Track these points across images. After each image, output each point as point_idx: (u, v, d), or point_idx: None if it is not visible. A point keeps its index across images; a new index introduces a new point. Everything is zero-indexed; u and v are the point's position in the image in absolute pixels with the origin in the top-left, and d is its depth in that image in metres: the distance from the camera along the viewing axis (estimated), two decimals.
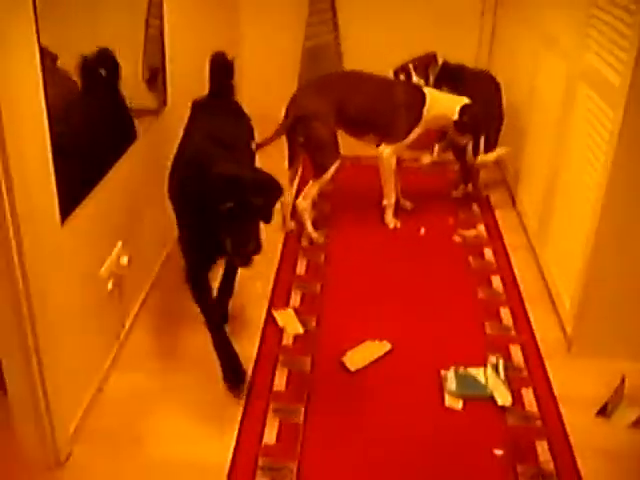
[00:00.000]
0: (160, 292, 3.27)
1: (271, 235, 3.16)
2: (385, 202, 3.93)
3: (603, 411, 2.62)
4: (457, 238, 3.84)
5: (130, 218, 2.96)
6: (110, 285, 2.69)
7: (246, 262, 2.40)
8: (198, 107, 3.09)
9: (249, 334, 2.98)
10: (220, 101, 3.13)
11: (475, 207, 4.22)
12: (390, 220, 3.92)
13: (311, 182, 3.71)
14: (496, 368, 2.78)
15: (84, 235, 2.47)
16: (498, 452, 2.41)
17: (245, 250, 2.36)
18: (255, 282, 3.32)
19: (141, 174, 3.04)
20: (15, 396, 2.23)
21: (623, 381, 2.69)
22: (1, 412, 2.32)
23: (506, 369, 2.80)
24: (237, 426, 2.49)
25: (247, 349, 2.85)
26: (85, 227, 2.47)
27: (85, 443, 2.42)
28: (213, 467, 2.33)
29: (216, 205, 2.32)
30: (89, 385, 2.58)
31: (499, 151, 4.08)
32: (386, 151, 3.80)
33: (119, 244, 2.76)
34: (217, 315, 2.75)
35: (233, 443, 2.42)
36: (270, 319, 3.10)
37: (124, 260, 2.77)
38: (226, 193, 2.32)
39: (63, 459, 2.33)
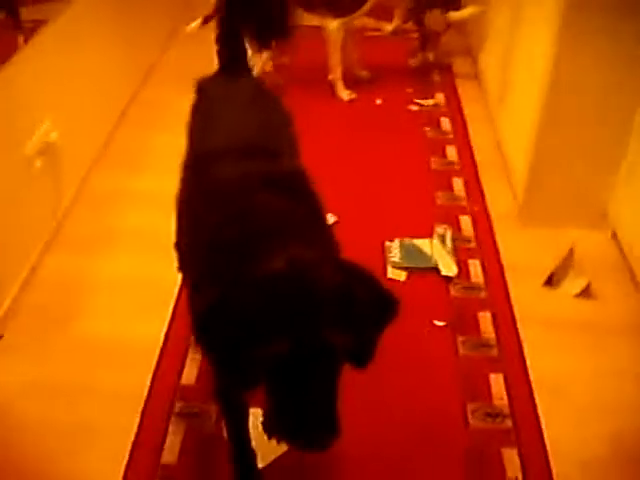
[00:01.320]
0: (104, 171, 3.15)
1: None
2: (331, 76, 3.78)
3: (549, 281, 2.57)
4: (414, 107, 3.70)
5: (61, 88, 2.78)
6: (39, 163, 2.55)
7: (308, 445, 1.27)
8: (209, 93, 2.05)
9: None
10: (240, 80, 2.11)
11: (435, 76, 4.05)
12: (342, 93, 3.77)
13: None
14: (443, 239, 2.71)
15: (3, 108, 2.32)
16: (439, 323, 2.38)
17: (304, 433, 1.25)
18: None
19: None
20: None
21: (572, 251, 2.63)
22: None
23: (454, 240, 2.73)
24: (171, 307, 2.44)
25: None
26: (5, 97, 2.32)
27: (16, 325, 2.36)
28: (145, 345, 2.28)
29: (254, 344, 1.23)
30: (21, 266, 2.50)
31: (471, 9, 3.86)
32: (332, 24, 3.64)
33: (47, 119, 2.61)
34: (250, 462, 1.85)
35: (167, 322, 2.37)
36: None
37: (53, 136, 2.62)
38: (277, 319, 1.23)
39: None
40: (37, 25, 2.59)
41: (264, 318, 1.22)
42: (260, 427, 1.34)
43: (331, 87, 3.79)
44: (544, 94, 2.63)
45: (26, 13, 2.55)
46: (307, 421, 1.24)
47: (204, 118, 1.93)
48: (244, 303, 1.24)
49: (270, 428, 1.30)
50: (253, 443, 1.80)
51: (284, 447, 1.88)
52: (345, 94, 3.75)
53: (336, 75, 3.76)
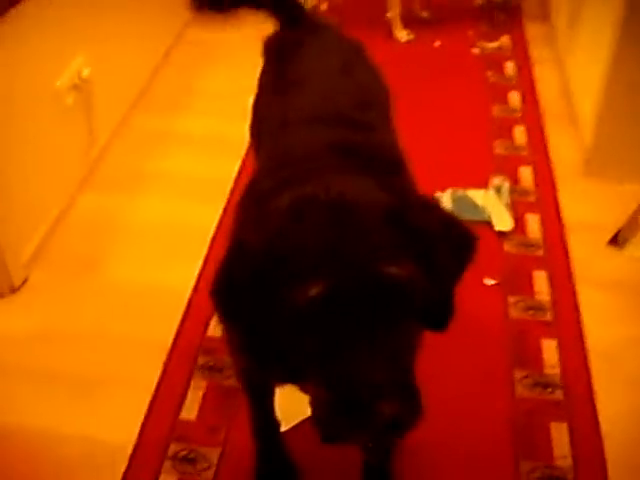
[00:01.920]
0: (144, 112, 3.02)
1: None
2: (389, 14, 3.53)
3: (615, 241, 2.34)
4: (476, 50, 3.45)
5: (97, 23, 2.64)
6: (71, 99, 2.43)
7: (379, 432, 0.91)
8: (280, 51, 1.75)
9: (231, 155, 2.73)
10: (317, 35, 1.76)
11: (501, 16, 3.76)
12: (400, 33, 3.52)
13: None
14: (499, 191, 2.50)
15: (33, 41, 2.19)
16: (490, 282, 2.19)
17: (368, 414, 0.88)
18: None
19: None
20: None
21: None
22: None
23: (511, 192, 2.51)
24: (204, 255, 2.30)
25: (228, 172, 2.63)
26: (34, 29, 2.18)
27: (43, 268, 2.26)
28: (174, 294, 2.16)
29: (287, 286, 0.93)
30: (51, 206, 2.40)
31: None
32: None
33: (80, 54, 2.48)
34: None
35: (198, 271, 2.24)
36: None
37: (86, 72, 2.49)
38: (308, 255, 0.93)
39: (17, 285, 2.18)
40: None
41: (292, 257, 0.92)
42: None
43: (388, 27, 3.55)
44: (616, 39, 2.38)
45: None
46: (371, 396, 0.86)
47: (279, 84, 1.63)
48: (265, 244, 0.96)
49: (322, 420, 0.95)
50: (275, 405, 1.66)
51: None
52: (403, 34, 3.51)
53: (394, 13, 3.52)
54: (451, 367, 1.93)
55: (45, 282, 2.22)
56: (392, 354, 0.89)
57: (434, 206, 1.05)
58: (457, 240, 1.03)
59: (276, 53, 1.75)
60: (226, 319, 1.09)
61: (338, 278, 0.88)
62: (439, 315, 1.04)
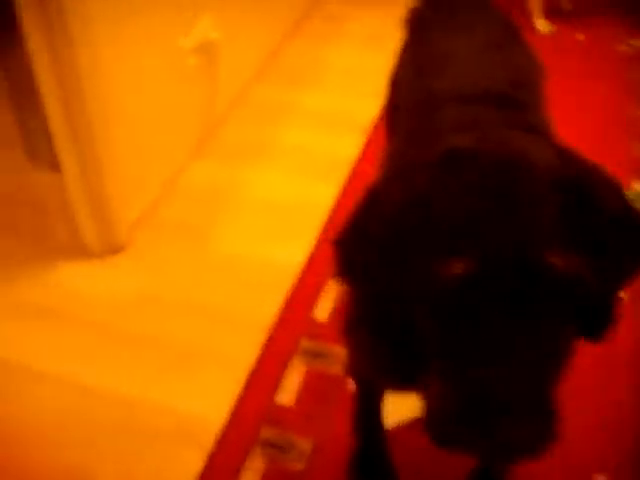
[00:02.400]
0: (268, 81, 2.93)
1: None
2: (530, 3, 3.31)
3: None
4: (623, 47, 3.19)
5: None
6: (194, 61, 2.36)
7: (503, 450, 0.75)
8: (424, 25, 1.58)
9: (354, 133, 2.61)
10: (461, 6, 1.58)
11: None
12: (540, 23, 3.30)
13: None
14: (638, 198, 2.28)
15: None
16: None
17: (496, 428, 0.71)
18: None
19: None
20: (69, 175, 2.02)
21: None
22: (57, 193, 2.13)
23: None
24: (317, 234, 2.18)
25: (349, 149, 2.51)
26: None
27: (149, 232, 2.20)
28: (281, 272, 2.06)
29: (427, 254, 0.77)
30: (163, 170, 2.33)
31: None
32: None
33: (208, 15, 2.40)
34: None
35: (309, 251, 2.13)
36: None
37: (213, 35, 2.42)
38: (458, 223, 0.76)
39: (122, 245, 2.13)
40: None
41: (439, 219, 0.76)
42: None
43: (528, 16, 3.34)
44: None
45: None
46: (498, 409, 0.71)
47: (422, 60, 1.46)
48: (410, 197, 0.81)
49: (435, 419, 0.80)
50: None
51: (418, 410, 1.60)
52: (543, 25, 3.29)
53: (535, 2, 3.30)
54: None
55: (149, 246, 2.16)
56: (535, 362, 0.73)
57: (618, 188, 0.84)
58: (636, 234, 0.83)
59: (420, 27, 1.59)
60: (346, 276, 0.94)
61: (492, 259, 0.72)
62: (597, 321, 0.85)
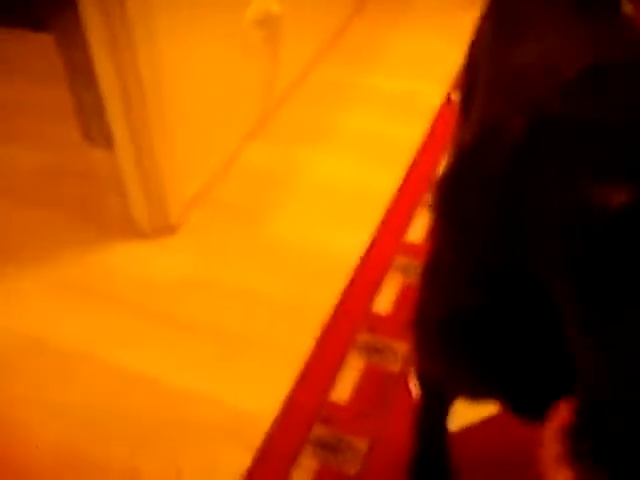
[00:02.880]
0: (331, 61, 2.80)
1: None
2: None
3: None
4: None
5: None
6: (257, 33, 2.24)
7: None
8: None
9: (419, 116, 2.47)
10: None
11: None
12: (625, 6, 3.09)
13: None
14: None
15: None
16: None
17: None
18: None
19: None
20: (122, 152, 1.93)
21: None
22: (111, 170, 2.05)
23: None
24: (378, 221, 2.06)
25: (414, 134, 2.38)
26: None
27: (204, 212, 2.10)
28: (339, 259, 1.93)
29: (573, 187, 0.60)
30: (220, 149, 2.23)
31: None
32: None
33: None
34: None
35: (369, 238, 2.00)
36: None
37: (275, 8, 2.30)
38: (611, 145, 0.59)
39: (173, 225, 2.03)
40: None
41: (586, 140, 0.61)
42: None
43: None
44: None
45: None
46: None
47: (505, 31, 1.28)
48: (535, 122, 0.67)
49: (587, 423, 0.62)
50: None
51: (487, 410, 1.46)
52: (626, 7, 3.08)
53: None
54: None
55: (202, 228, 2.06)
56: None
57: None
58: None
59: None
60: (450, 223, 0.78)
61: None
62: None
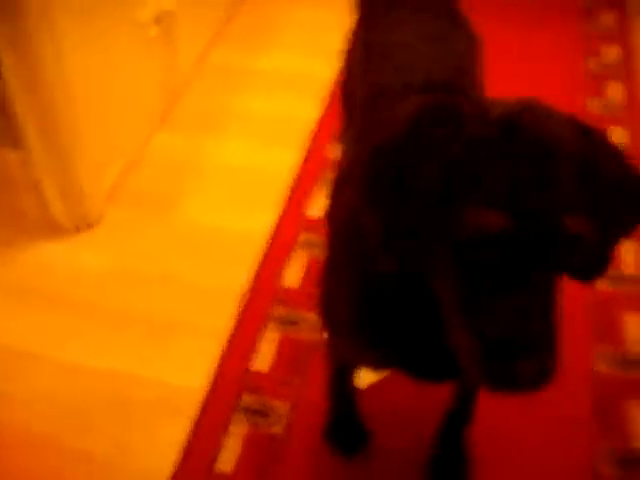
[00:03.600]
0: (225, 47, 2.94)
1: None
2: None
3: None
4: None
5: None
6: (154, 31, 2.37)
7: (501, 389, 0.84)
8: (372, 13, 1.62)
9: (315, 95, 2.66)
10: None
11: None
12: None
13: None
14: None
15: None
16: None
17: (513, 361, 0.82)
18: None
19: None
20: (35, 152, 2.05)
21: None
22: (26, 171, 2.16)
23: None
24: (283, 200, 2.26)
25: (311, 113, 2.58)
26: None
27: (119, 205, 2.25)
28: (249, 240, 2.13)
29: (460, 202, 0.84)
30: (128, 143, 2.37)
31: None
32: None
33: None
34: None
35: (276, 217, 2.21)
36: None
37: (170, 4, 2.43)
38: (494, 180, 0.83)
39: (93, 220, 2.18)
40: None
41: (473, 168, 0.83)
42: None
43: None
44: None
45: None
46: (516, 342, 0.81)
47: (370, 50, 1.51)
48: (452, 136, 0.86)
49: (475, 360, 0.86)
50: None
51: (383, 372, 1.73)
52: None
53: None
54: None
55: (120, 220, 2.21)
56: (545, 307, 0.83)
57: (622, 155, 0.93)
58: (635, 194, 0.93)
59: (368, 14, 1.63)
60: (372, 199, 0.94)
61: (521, 216, 0.80)
62: (594, 266, 0.95)
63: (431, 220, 0.86)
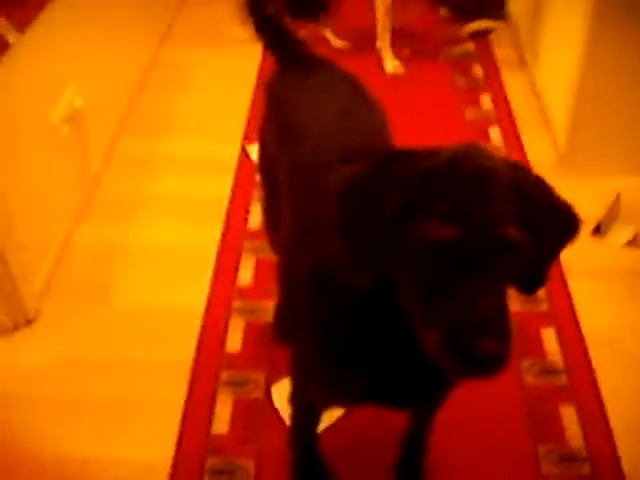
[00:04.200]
0: (131, 135, 3.07)
1: None
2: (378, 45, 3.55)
3: (597, 230, 2.49)
4: (445, 56, 3.58)
5: (85, 53, 2.70)
6: (65, 130, 2.48)
7: (470, 372, 1.01)
8: (281, 96, 1.77)
9: (222, 172, 2.82)
10: (318, 73, 1.78)
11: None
12: (389, 64, 3.50)
13: None
14: None
15: (26, 76, 2.25)
16: None
17: (473, 342, 0.98)
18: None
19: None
20: None
21: (618, 198, 2.54)
22: None
23: None
24: (211, 272, 2.38)
25: (222, 189, 2.72)
26: (26, 66, 2.24)
27: (54, 298, 2.31)
28: (187, 313, 2.24)
29: (421, 220, 1.03)
30: (53, 239, 2.45)
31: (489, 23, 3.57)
32: None
33: (71, 85, 2.54)
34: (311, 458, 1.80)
35: (207, 289, 2.32)
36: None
37: (78, 102, 2.55)
38: (445, 198, 1.04)
39: (32, 317, 2.23)
40: None
41: (436, 193, 1.02)
42: None
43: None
44: (585, 39, 2.53)
45: None
46: (479, 323, 0.98)
47: (283, 131, 1.67)
48: (418, 175, 1.05)
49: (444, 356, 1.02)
50: None
51: (339, 412, 1.87)
52: (393, 65, 3.49)
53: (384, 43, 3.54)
54: None
55: (58, 312, 2.27)
56: (496, 300, 1.01)
57: (547, 185, 1.14)
58: (563, 218, 1.15)
59: (277, 98, 1.78)
60: (348, 227, 1.13)
61: (468, 228, 0.99)
62: (534, 279, 1.16)
63: (397, 234, 1.05)
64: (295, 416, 1.67)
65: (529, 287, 1.16)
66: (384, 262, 1.08)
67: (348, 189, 1.13)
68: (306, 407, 1.62)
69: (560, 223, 1.14)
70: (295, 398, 1.60)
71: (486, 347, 0.96)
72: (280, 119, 1.70)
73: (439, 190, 1.03)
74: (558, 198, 1.15)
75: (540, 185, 1.12)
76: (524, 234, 1.01)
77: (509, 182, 1.04)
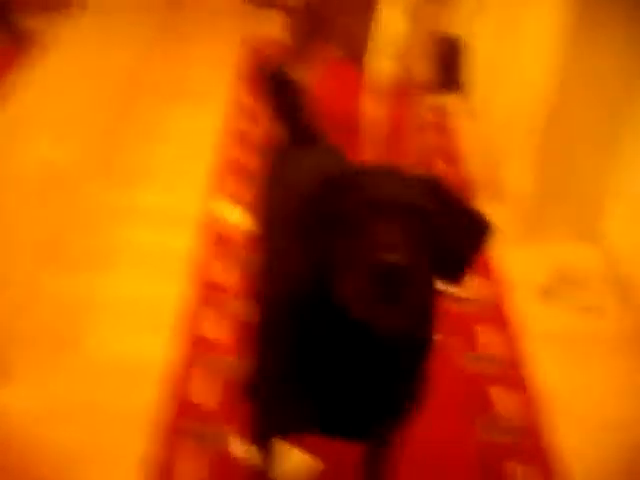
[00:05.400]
0: (99, 187, 3.09)
1: None
2: None
3: (547, 296, 2.62)
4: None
5: (56, 107, 2.74)
6: (35, 182, 2.52)
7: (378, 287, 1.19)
8: (283, 165, 1.93)
9: (186, 225, 2.89)
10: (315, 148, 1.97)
11: None
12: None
13: None
14: None
15: None
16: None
17: (377, 255, 1.18)
18: None
19: None
20: None
21: (566, 265, 2.68)
22: None
23: None
24: (176, 323, 2.44)
25: (186, 242, 2.79)
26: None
27: (18, 352, 2.31)
28: (152, 363, 2.28)
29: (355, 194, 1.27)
30: (20, 291, 2.47)
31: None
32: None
33: (43, 138, 2.58)
34: None
35: (173, 339, 2.37)
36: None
37: (50, 154, 2.59)
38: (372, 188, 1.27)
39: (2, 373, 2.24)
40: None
41: (362, 187, 1.25)
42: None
43: None
44: (544, 117, 2.70)
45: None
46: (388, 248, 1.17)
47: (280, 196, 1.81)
48: (350, 181, 1.28)
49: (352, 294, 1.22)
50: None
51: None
52: None
53: None
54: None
55: (23, 366, 2.27)
56: (405, 249, 1.18)
57: (458, 196, 1.35)
58: (477, 222, 1.34)
59: (279, 166, 1.92)
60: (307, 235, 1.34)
61: (385, 195, 1.23)
62: (454, 267, 1.32)
63: (337, 211, 1.27)
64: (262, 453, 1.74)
65: (451, 274, 1.32)
66: (325, 239, 1.27)
67: (302, 201, 1.35)
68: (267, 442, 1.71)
69: (474, 225, 1.34)
70: (256, 429, 1.70)
71: (387, 258, 1.15)
72: (279, 184, 1.84)
73: (365, 179, 1.27)
74: (472, 208, 1.35)
75: (453, 191, 1.34)
76: (434, 207, 1.24)
77: (424, 182, 1.28)
